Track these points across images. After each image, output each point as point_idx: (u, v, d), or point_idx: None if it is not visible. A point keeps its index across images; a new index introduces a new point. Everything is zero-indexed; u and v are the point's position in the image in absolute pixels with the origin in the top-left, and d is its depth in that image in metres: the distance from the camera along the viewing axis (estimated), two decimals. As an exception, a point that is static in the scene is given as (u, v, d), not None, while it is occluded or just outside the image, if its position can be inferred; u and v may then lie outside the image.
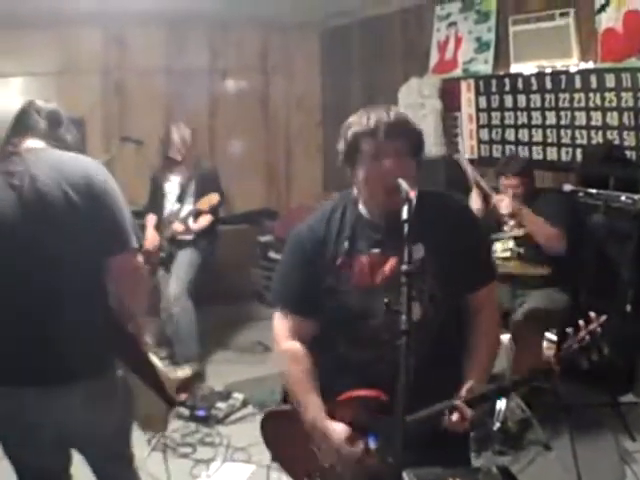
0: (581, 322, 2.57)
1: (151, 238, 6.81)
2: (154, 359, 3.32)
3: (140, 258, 3.11)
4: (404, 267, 2.26)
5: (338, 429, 2.73)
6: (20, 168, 2.90)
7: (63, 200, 2.86)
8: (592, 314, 2.58)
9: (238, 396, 5.94)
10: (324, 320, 2.87)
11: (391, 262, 2.71)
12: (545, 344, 5.56)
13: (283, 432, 2.98)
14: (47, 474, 3.24)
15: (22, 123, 3.12)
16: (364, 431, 2.70)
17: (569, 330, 2.59)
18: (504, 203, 5.21)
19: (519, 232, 5.35)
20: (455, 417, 2.52)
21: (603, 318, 2.57)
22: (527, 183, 5.53)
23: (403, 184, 2.50)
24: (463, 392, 2.56)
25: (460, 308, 2.87)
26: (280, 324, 2.98)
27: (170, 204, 6.95)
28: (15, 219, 2.86)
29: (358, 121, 2.71)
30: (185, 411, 5.63)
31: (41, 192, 2.86)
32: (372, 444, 2.67)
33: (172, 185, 7.02)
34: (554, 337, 5.70)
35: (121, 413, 3.21)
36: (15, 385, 2.96)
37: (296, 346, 2.92)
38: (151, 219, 6.97)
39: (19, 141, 3.03)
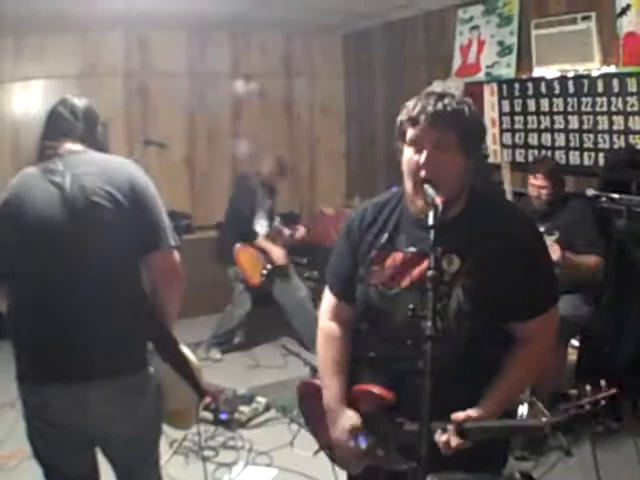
0: (588, 387, 2.24)
1: (280, 252, 7.49)
2: (186, 351, 3.38)
3: (177, 255, 3.20)
4: (430, 272, 2.21)
5: (347, 417, 2.73)
6: (61, 167, 3.05)
7: (106, 198, 2.99)
8: (602, 382, 2.25)
9: (261, 400, 5.98)
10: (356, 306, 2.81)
11: (423, 265, 2.52)
12: (570, 350, 5.56)
13: (314, 403, 2.97)
14: (75, 475, 3.26)
15: (59, 126, 3.19)
16: (370, 427, 2.71)
17: (573, 392, 2.25)
18: (554, 252, 5.16)
19: (550, 238, 5.35)
20: (443, 438, 2.38)
21: (612, 392, 2.23)
22: (555, 187, 5.57)
23: (429, 189, 2.40)
24: (458, 418, 2.39)
25: (506, 334, 2.61)
26: (325, 302, 2.98)
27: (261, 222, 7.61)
28: (57, 215, 2.98)
29: (408, 106, 2.54)
30: (208, 415, 5.65)
31: (84, 189, 2.99)
32: (363, 444, 2.68)
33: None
34: (577, 343, 5.69)
35: (152, 411, 3.25)
36: (46, 382, 3.02)
37: (332, 327, 2.91)
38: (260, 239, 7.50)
39: (58, 144, 3.14)
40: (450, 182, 2.49)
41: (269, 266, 7.31)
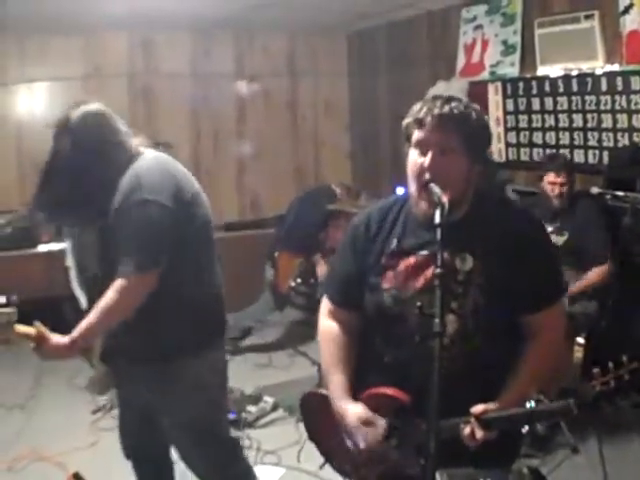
0: (610, 364, 2.26)
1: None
2: None
3: None
4: (437, 271, 2.24)
5: (355, 409, 2.72)
6: None
7: None
8: (624, 357, 2.26)
9: (268, 399, 6.00)
10: (365, 314, 2.82)
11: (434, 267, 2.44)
12: (576, 348, 5.56)
13: (318, 415, 2.99)
14: None
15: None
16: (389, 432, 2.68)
17: (595, 370, 2.28)
18: None
19: (557, 240, 5.37)
20: (467, 431, 2.42)
21: (635, 365, 2.24)
22: (570, 182, 5.63)
23: (435, 188, 2.43)
24: (477, 411, 2.41)
25: (520, 327, 2.65)
26: (324, 307, 3.00)
27: None
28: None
29: (415, 108, 2.56)
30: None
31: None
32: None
33: None
34: (583, 341, 5.70)
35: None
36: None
37: (332, 326, 2.92)
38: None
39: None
40: (453, 184, 2.51)
41: (299, 280, 7.34)
